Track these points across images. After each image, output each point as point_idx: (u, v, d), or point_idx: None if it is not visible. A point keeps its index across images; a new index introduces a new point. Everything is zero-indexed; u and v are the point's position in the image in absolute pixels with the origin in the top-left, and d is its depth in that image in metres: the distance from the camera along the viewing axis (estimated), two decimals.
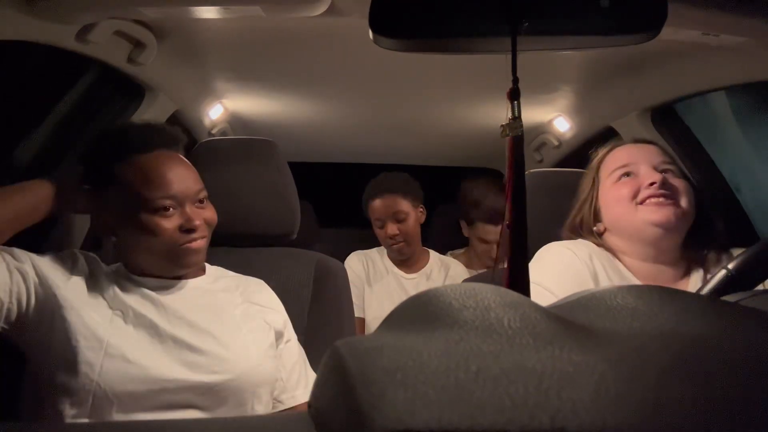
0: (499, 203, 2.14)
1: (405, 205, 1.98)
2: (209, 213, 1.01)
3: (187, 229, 0.95)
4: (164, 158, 0.97)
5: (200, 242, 0.97)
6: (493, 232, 2.11)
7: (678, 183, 1.04)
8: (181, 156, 1.03)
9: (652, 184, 1.02)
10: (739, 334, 0.30)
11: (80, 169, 0.99)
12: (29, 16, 1.03)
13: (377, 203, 1.99)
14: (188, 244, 0.95)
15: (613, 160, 1.11)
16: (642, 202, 1.03)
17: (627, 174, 1.07)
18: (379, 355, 0.26)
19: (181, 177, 0.97)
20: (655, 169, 1.05)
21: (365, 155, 2.78)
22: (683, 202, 1.02)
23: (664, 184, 1.02)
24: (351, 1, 1.09)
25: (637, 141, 1.15)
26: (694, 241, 1.07)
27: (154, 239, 0.93)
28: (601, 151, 1.17)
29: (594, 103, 1.85)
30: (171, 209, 0.94)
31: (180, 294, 0.99)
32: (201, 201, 1.00)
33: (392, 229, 1.96)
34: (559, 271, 1.06)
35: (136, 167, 0.95)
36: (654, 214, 1.02)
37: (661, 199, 1.02)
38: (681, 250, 1.07)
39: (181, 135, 1.06)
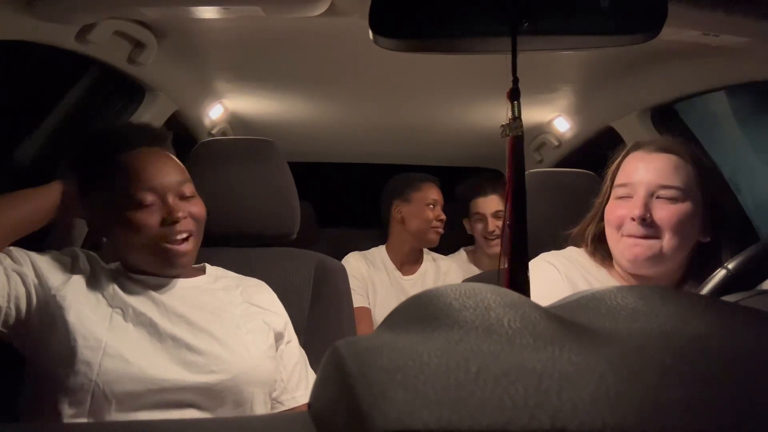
0: (482, 180, 2.30)
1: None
2: (196, 207, 0.99)
3: (171, 222, 0.92)
4: (144, 154, 0.97)
5: (186, 245, 0.95)
6: (483, 203, 2.19)
7: (669, 213, 0.99)
8: (165, 152, 1.02)
9: (633, 219, 1.00)
10: (739, 334, 0.30)
11: (73, 174, 1.00)
12: (29, 16, 1.03)
13: (434, 186, 2.14)
14: (174, 246, 0.93)
15: (622, 172, 1.08)
16: (624, 234, 1.02)
17: (625, 194, 1.04)
18: (379, 355, 0.26)
19: (162, 170, 0.96)
20: (651, 194, 1.00)
21: (365, 155, 2.78)
22: (667, 238, 0.98)
23: (644, 221, 0.98)
24: (351, 1, 1.09)
25: (651, 149, 1.06)
26: (697, 261, 1.04)
27: (138, 236, 0.92)
28: (616, 159, 1.12)
29: (594, 103, 1.85)
30: (152, 204, 0.93)
31: (179, 293, 0.99)
32: (186, 195, 0.98)
33: (442, 213, 2.09)
34: (539, 282, 1.06)
35: (117, 166, 0.95)
36: (628, 250, 1.01)
37: (637, 239, 0.99)
38: (676, 269, 1.04)
39: (165, 131, 1.06)
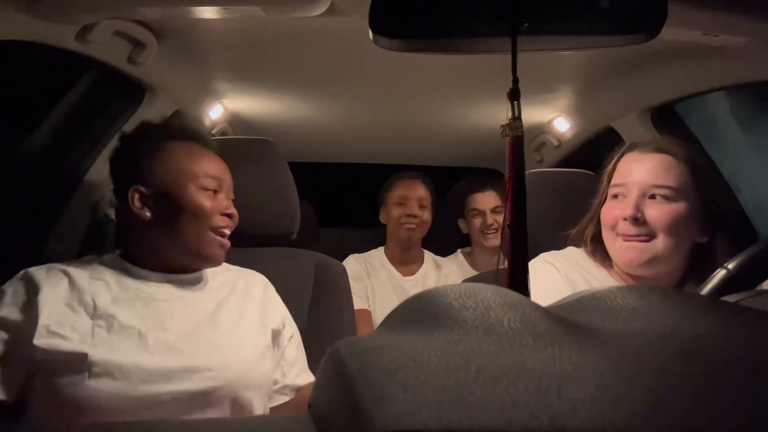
0: (478, 177, 2.31)
1: (427, 199, 2.09)
2: (236, 213, 1.04)
3: (227, 214, 1.00)
4: (209, 150, 1.05)
5: (227, 240, 1.01)
6: (480, 198, 2.18)
7: (663, 213, 0.99)
8: None
9: (626, 218, 1.00)
10: (739, 334, 0.30)
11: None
12: (29, 16, 1.03)
13: (407, 183, 2.10)
14: (223, 230, 0.98)
15: (617, 173, 1.09)
16: (619, 234, 1.03)
17: (620, 194, 1.05)
18: (379, 355, 0.26)
19: (223, 168, 1.05)
20: (644, 194, 1.01)
21: (365, 155, 2.77)
22: (661, 238, 0.98)
23: (636, 221, 0.99)
24: (351, 1, 1.09)
25: (646, 149, 1.07)
26: (696, 262, 1.03)
27: (194, 217, 0.95)
28: (612, 161, 1.13)
29: (594, 103, 1.85)
30: (213, 192, 0.99)
31: (176, 293, 0.96)
32: (232, 199, 1.05)
33: (414, 209, 2.05)
34: (539, 282, 1.05)
35: (187, 147, 1.01)
36: (623, 253, 1.02)
37: (632, 242, 1.00)
38: (674, 270, 1.04)
39: (214, 141, 1.13)
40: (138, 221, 0.95)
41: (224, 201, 1.01)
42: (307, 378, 1.08)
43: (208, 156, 1.03)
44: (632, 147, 1.10)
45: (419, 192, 2.07)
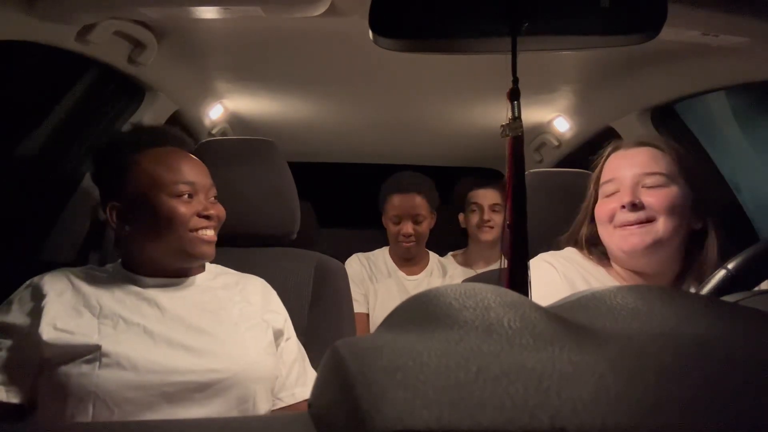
0: (480, 175, 2.30)
1: (425, 209, 2.03)
2: (220, 210, 1.04)
3: (204, 216, 0.99)
4: (181, 152, 1.04)
5: (213, 235, 1.01)
6: (482, 194, 2.18)
7: (658, 197, 1.00)
8: (195, 156, 1.08)
9: (624, 206, 1.01)
10: (739, 334, 0.30)
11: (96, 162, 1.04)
12: (29, 16, 1.03)
13: (400, 199, 2.03)
14: (203, 232, 0.98)
15: (605, 172, 1.10)
16: (618, 226, 1.03)
17: (612, 189, 1.06)
18: (379, 355, 0.26)
19: (198, 170, 1.03)
20: (637, 183, 1.02)
21: (365, 155, 2.78)
22: (662, 221, 0.99)
23: (634, 206, 1.00)
24: (351, 1, 1.09)
25: (630, 146, 1.10)
26: (692, 254, 1.04)
27: (170, 224, 0.95)
28: (600, 162, 1.14)
29: (594, 103, 1.85)
30: (188, 196, 0.98)
31: (178, 293, 0.99)
32: (212, 198, 1.05)
33: (408, 228, 2.00)
34: (537, 281, 1.05)
35: (156, 155, 1.00)
36: (624, 241, 1.01)
37: (632, 228, 1.00)
38: (673, 260, 1.05)
39: (189, 139, 1.12)
40: (122, 233, 0.99)
41: (201, 204, 0.99)
42: (304, 391, 1.07)
43: (179, 160, 1.01)
44: (616, 147, 1.12)
45: (415, 208, 2.01)
